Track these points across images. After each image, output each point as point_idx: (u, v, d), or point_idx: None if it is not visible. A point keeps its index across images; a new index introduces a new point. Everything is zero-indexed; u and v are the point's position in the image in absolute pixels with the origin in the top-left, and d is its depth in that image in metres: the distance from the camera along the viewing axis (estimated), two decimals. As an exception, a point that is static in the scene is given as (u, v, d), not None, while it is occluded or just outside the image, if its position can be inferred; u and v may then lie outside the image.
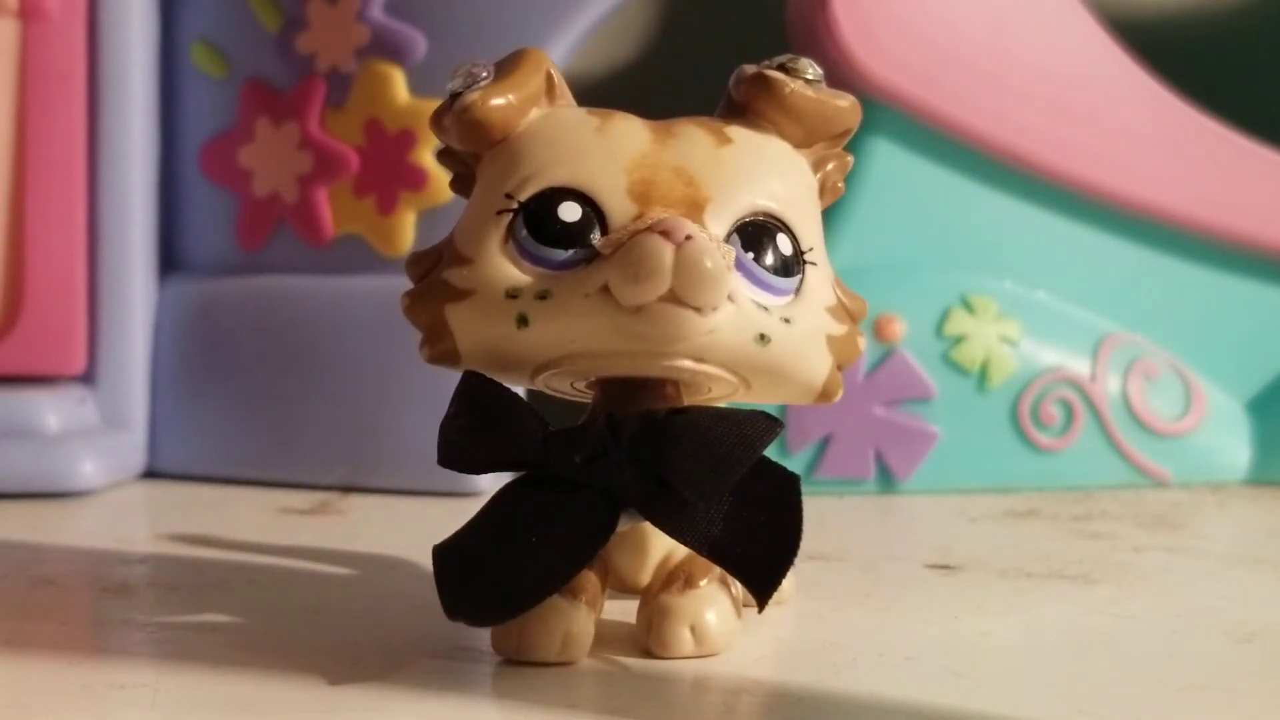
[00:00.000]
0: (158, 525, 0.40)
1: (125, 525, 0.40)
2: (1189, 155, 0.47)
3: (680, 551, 0.25)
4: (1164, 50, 0.49)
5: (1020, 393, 0.45)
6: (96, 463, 0.43)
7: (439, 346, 0.24)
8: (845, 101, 0.24)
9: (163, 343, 0.46)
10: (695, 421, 0.22)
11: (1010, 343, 0.45)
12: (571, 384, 0.24)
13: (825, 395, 0.24)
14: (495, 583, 0.22)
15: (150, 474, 0.46)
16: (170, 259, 0.48)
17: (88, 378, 0.45)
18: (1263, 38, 0.58)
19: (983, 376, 0.45)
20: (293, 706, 0.22)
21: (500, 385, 0.23)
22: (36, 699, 0.22)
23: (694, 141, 0.23)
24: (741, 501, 0.23)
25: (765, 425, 0.23)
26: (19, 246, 0.44)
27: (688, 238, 0.22)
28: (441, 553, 0.23)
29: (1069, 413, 0.45)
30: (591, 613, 0.24)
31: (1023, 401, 0.45)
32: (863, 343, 0.25)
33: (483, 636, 0.26)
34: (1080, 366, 0.46)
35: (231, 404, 0.45)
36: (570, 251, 0.23)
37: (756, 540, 0.23)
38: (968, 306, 0.45)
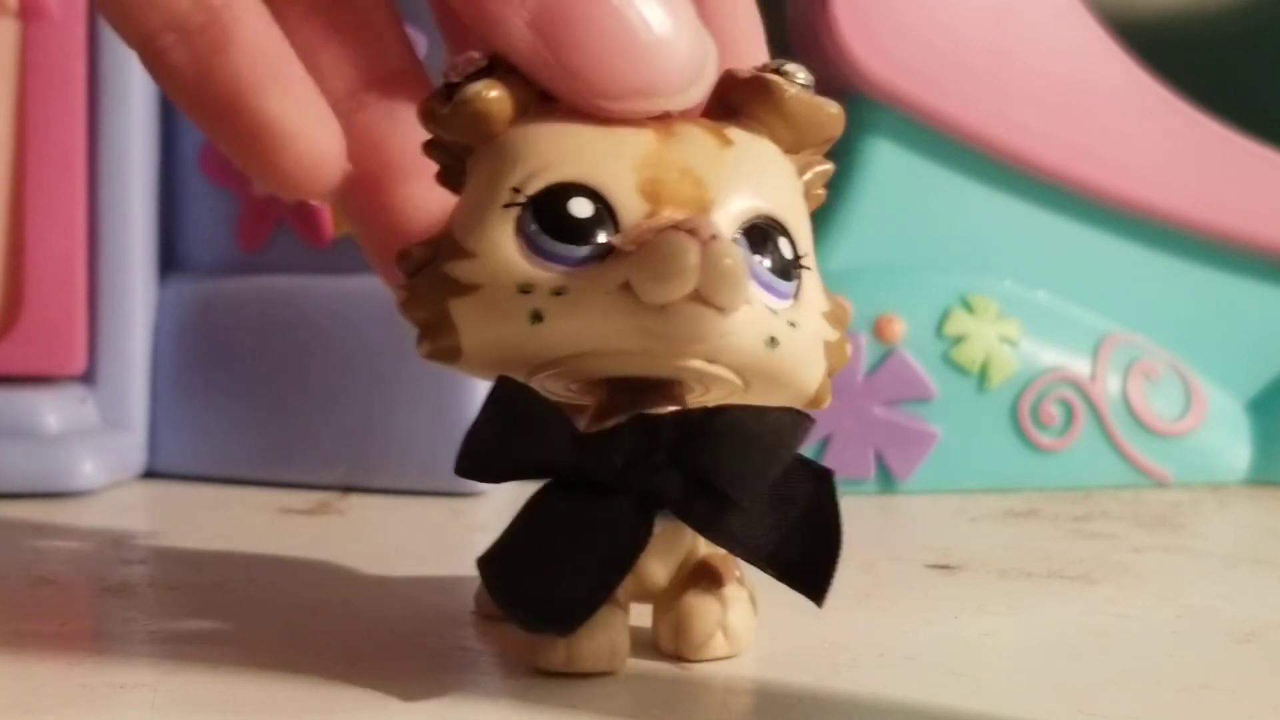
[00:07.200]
0: (158, 525, 0.40)
1: (125, 525, 0.40)
2: (1189, 155, 0.47)
3: (698, 549, 0.25)
4: (1164, 50, 0.49)
5: (1020, 393, 0.45)
6: (96, 463, 0.43)
7: (440, 342, 0.23)
8: (834, 109, 0.24)
9: (163, 343, 0.46)
10: (735, 420, 0.22)
11: (1010, 343, 0.45)
12: (566, 385, 0.24)
13: (815, 401, 0.24)
14: (549, 593, 0.22)
15: (150, 474, 0.46)
16: (170, 259, 0.48)
17: (88, 378, 0.45)
18: (1263, 38, 0.58)
19: (983, 376, 0.45)
20: (293, 706, 0.22)
21: (531, 390, 0.23)
22: (36, 699, 0.22)
23: (697, 142, 0.23)
24: (779, 501, 0.23)
25: (799, 421, 0.23)
26: (19, 246, 0.44)
27: (713, 236, 0.21)
28: (488, 564, 0.22)
29: (1069, 413, 0.45)
30: (627, 619, 0.24)
31: (1023, 401, 0.45)
32: (849, 348, 0.25)
33: (481, 636, 0.26)
34: (1080, 366, 0.46)
35: (231, 404, 0.45)
36: (582, 247, 0.22)
37: (798, 541, 0.22)
38: (968, 306, 0.45)
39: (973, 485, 0.45)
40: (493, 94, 0.23)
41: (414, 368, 0.42)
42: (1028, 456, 0.45)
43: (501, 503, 0.41)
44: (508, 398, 0.23)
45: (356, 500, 0.42)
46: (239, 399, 0.45)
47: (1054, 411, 0.45)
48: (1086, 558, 0.34)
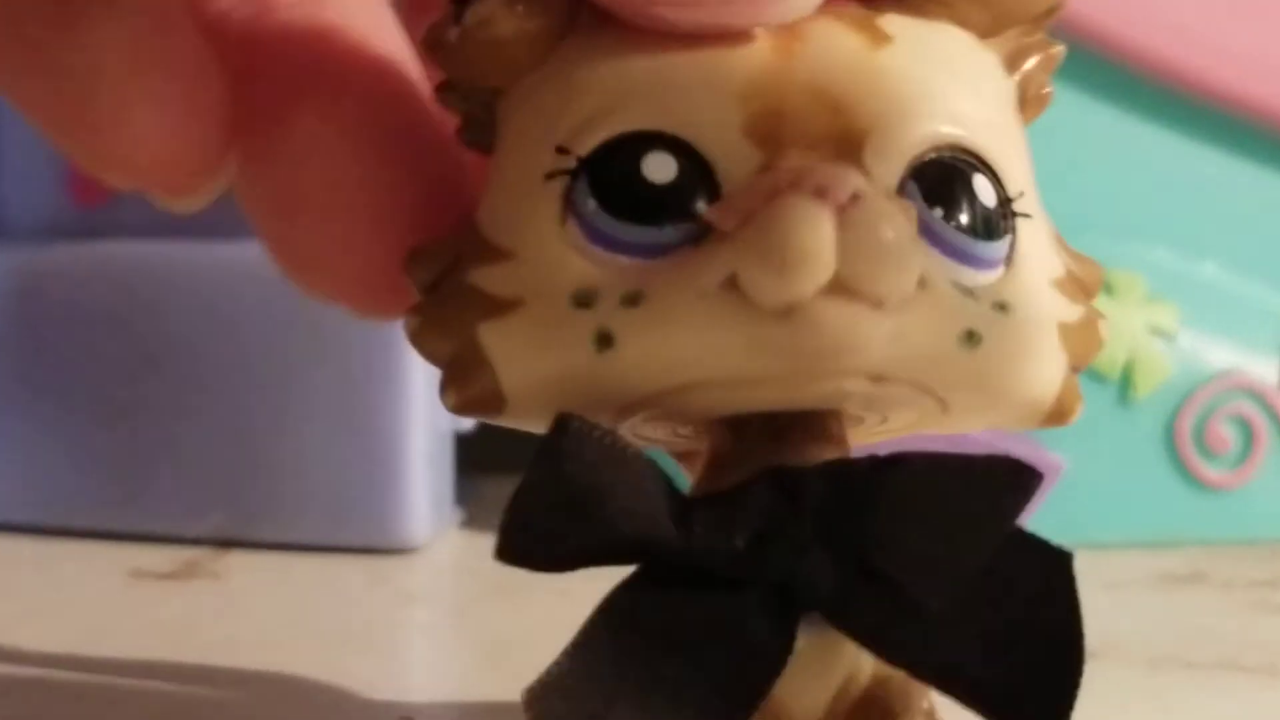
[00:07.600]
0: (-42, 594, 0.40)
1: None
2: None
3: (864, 671, 0.24)
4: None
5: (1179, 407, 0.45)
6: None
7: (473, 388, 0.22)
8: None
9: (-33, 337, 0.46)
10: (918, 474, 0.21)
11: (1164, 336, 0.45)
12: (675, 430, 0.23)
13: (1058, 415, 0.23)
14: None
15: (-50, 522, 0.46)
16: (-21, 218, 0.48)
17: None
18: None
19: (1125, 384, 0.45)
20: None
21: (610, 431, 0.21)
22: None
23: (835, 45, 0.22)
24: (985, 595, 0.22)
25: (1018, 478, 0.21)
26: None
27: (854, 196, 0.20)
28: (540, 698, 0.21)
29: (1248, 435, 0.45)
30: None
31: (1182, 419, 0.45)
32: (1105, 328, 0.24)
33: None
34: (1263, 370, 0.46)
35: (65, 423, 0.45)
36: (667, 228, 0.21)
37: (1014, 656, 0.21)
38: (1105, 285, 0.45)
39: (1113, 538, 0.44)
40: (514, 9, 0.22)
41: (318, 373, 0.41)
42: (1190, 497, 0.45)
43: (442, 562, 0.41)
44: (576, 441, 0.21)
45: (237, 559, 0.42)
46: (76, 416, 0.45)
47: (1227, 434, 0.45)
48: (1271, 641, 0.34)
